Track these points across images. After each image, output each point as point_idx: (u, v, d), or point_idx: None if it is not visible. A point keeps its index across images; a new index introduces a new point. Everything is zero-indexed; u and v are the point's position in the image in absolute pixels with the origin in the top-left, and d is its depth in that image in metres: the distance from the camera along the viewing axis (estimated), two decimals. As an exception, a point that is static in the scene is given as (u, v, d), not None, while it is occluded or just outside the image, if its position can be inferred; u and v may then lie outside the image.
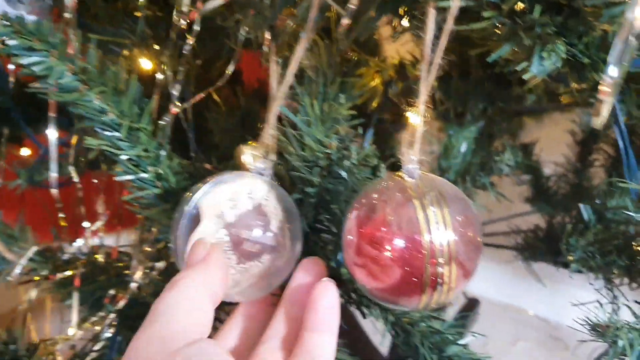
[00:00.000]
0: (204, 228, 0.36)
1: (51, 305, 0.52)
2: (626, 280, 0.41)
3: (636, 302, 0.43)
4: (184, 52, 0.45)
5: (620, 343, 0.34)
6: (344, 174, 0.36)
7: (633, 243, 0.38)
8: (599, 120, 0.26)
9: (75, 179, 0.55)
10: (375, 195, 0.33)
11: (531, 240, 0.58)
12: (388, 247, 0.31)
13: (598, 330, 0.34)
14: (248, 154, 0.38)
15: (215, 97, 0.59)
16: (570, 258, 0.39)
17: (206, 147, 0.61)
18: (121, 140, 0.37)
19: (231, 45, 0.48)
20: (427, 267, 0.31)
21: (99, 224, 0.48)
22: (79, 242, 0.49)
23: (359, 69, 0.41)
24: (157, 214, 0.40)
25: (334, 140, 0.35)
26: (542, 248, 0.56)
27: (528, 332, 1.28)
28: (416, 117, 0.32)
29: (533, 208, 0.90)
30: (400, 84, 0.48)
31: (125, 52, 0.50)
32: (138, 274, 0.43)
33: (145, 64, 0.53)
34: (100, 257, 0.48)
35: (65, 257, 0.48)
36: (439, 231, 0.31)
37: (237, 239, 0.36)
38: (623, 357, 0.35)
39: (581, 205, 0.39)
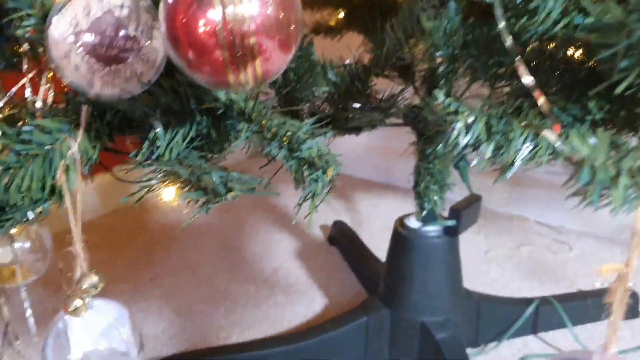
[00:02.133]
0: (58, 36, 0.38)
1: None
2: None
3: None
4: None
5: (458, 126, 0.32)
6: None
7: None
8: None
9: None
10: None
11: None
12: (187, 25, 0.31)
13: (431, 112, 0.32)
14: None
15: None
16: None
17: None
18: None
19: None
20: (223, 42, 0.31)
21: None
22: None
23: None
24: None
25: None
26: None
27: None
28: None
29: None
30: None
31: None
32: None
33: None
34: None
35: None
36: (236, 4, 0.30)
37: (94, 44, 0.38)
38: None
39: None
